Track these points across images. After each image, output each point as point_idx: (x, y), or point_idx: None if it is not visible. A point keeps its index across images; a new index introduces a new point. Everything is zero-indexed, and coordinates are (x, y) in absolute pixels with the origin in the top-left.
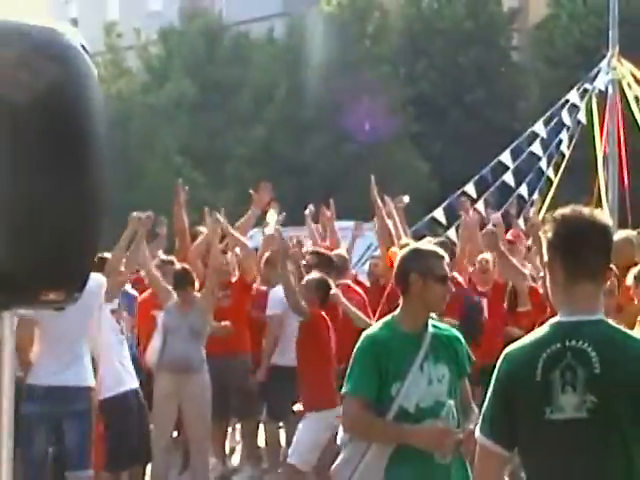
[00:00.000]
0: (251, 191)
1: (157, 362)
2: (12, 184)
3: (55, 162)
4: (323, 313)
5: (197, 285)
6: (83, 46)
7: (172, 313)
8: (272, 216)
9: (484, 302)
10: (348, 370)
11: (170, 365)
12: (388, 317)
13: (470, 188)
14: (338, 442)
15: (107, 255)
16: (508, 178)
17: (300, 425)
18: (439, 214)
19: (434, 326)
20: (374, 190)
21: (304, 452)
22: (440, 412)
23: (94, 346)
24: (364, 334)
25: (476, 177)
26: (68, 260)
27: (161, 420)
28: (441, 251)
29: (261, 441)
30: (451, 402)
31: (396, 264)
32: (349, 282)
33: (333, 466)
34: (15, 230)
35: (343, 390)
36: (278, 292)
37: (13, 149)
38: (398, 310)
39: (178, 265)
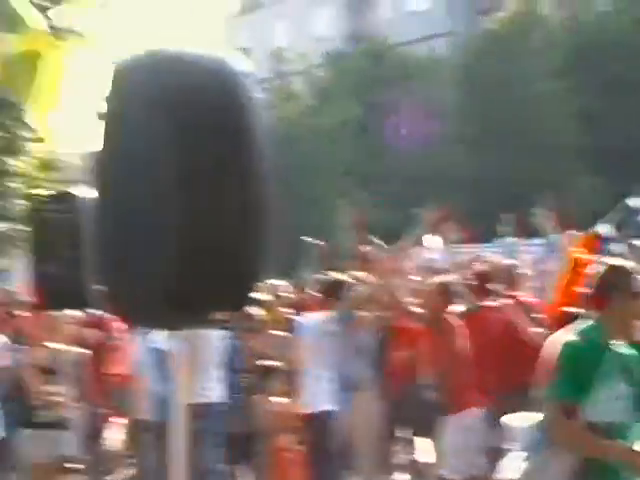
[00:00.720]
0: (416, 211)
1: None
2: (179, 209)
3: (219, 185)
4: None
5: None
6: (251, 73)
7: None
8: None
9: None
10: (557, 377)
11: (339, 382)
12: (584, 326)
13: (634, 201)
14: (519, 450)
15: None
16: None
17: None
18: (603, 228)
19: (619, 343)
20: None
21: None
22: (625, 430)
23: None
24: (566, 342)
25: None
26: (233, 281)
27: None
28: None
29: None
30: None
31: (598, 278)
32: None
33: (514, 475)
34: (182, 254)
35: (551, 395)
36: None
37: (179, 172)
38: (595, 322)
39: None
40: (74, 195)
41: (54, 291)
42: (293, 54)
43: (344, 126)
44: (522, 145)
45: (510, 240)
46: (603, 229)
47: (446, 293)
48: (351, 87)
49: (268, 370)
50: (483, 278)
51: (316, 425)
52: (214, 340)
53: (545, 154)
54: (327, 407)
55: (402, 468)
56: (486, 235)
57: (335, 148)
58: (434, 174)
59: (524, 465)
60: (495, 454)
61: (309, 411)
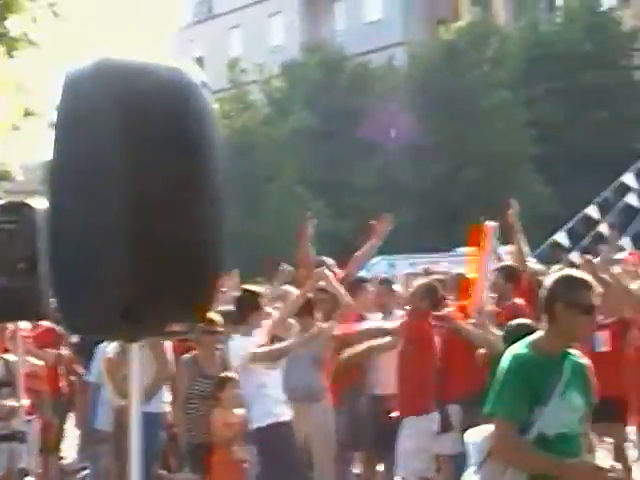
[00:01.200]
0: (372, 222)
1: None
2: (133, 221)
3: (173, 196)
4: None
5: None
6: (204, 83)
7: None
8: None
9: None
10: (496, 389)
11: (292, 394)
12: (533, 338)
13: (592, 210)
14: (472, 464)
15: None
16: (632, 199)
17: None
18: (561, 237)
19: (569, 353)
20: (514, 213)
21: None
22: (576, 441)
23: None
24: (512, 354)
25: (598, 199)
26: (190, 292)
27: None
28: (591, 280)
29: None
30: (582, 431)
31: (544, 290)
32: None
33: None
34: (139, 265)
35: (492, 410)
36: None
37: (132, 183)
38: (542, 333)
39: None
40: (29, 205)
41: (8, 302)
42: (249, 64)
43: (300, 135)
44: (476, 154)
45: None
46: (561, 238)
47: (429, 297)
48: (307, 97)
49: (223, 380)
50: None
51: (267, 437)
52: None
53: (499, 163)
54: (280, 419)
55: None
56: (444, 245)
57: (291, 157)
58: (389, 184)
59: (477, 477)
60: (448, 460)
61: (261, 424)
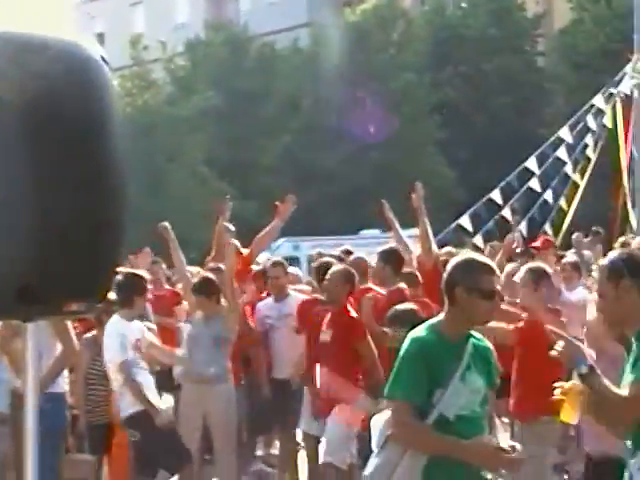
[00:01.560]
0: (277, 203)
1: (180, 372)
2: (32, 198)
3: (73, 174)
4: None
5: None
6: (104, 59)
7: (196, 322)
8: None
9: None
10: (394, 372)
11: (192, 375)
12: (433, 321)
13: (496, 194)
14: (373, 446)
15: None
16: (534, 184)
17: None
18: (465, 221)
19: (472, 335)
20: (419, 196)
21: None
22: (477, 422)
23: None
24: (411, 336)
25: (502, 183)
26: (89, 271)
27: (185, 431)
28: (492, 265)
29: None
30: (484, 413)
31: (445, 274)
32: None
33: (366, 471)
34: (35, 244)
35: (390, 393)
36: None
37: (32, 162)
38: (442, 316)
39: (202, 274)
40: None
41: None
42: (152, 41)
43: (204, 115)
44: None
45: (373, 232)
46: (464, 222)
47: (351, 280)
48: (211, 76)
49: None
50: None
51: (137, 423)
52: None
53: (404, 146)
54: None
55: (263, 460)
56: (352, 227)
57: (194, 137)
58: (294, 165)
59: (375, 461)
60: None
61: (131, 411)
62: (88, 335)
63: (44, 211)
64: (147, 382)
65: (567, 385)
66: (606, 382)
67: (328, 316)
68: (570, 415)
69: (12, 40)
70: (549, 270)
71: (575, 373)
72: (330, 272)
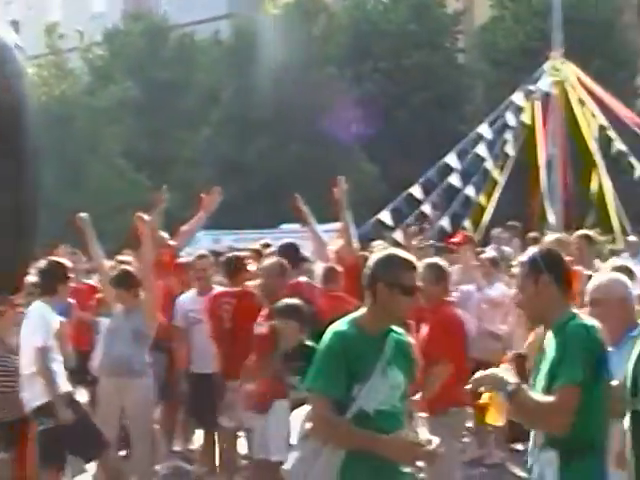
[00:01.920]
0: (202, 195)
1: (98, 365)
2: None
3: None
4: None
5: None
6: (18, 46)
7: (115, 316)
8: None
9: None
10: (314, 365)
11: (111, 369)
12: (354, 315)
13: (416, 190)
14: (292, 440)
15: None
16: (454, 179)
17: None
18: (385, 216)
19: (393, 330)
20: (341, 190)
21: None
22: (397, 417)
23: None
24: (332, 330)
25: (422, 179)
26: (3, 261)
27: (102, 425)
28: (414, 261)
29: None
30: (404, 408)
31: (366, 269)
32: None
33: (286, 465)
34: None
35: (309, 386)
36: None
37: None
38: (364, 311)
39: (122, 266)
40: None
41: None
42: (69, 30)
43: (122, 106)
44: (303, 130)
45: (294, 226)
46: (385, 217)
47: (285, 272)
48: (130, 66)
49: None
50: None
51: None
52: None
53: (325, 140)
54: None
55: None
56: (273, 221)
57: (113, 129)
58: (215, 158)
59: (295, 455)
60: None
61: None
62: None
63: None
64: (60, 371)
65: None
66: (532, 394)
67: (265, 310)
68: (496, 418)
69: None
70: (445, 265)
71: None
72: (262, 266)
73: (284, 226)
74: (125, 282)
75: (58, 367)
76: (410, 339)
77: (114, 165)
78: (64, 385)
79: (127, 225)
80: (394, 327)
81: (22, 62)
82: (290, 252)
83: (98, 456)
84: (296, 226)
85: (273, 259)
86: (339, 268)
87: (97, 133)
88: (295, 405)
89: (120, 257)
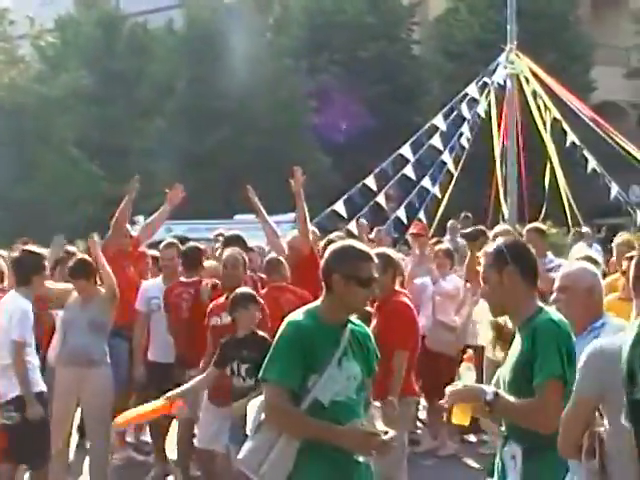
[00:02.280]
0: (167, 190)
1: (56, 356)
2: None
3: None
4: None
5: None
6: None
7: (71, 305)
8: None
9: None
10: (270, 355)
11: (68, 359)
12: (311, 306)
13: (370, 181)
14: (247, 430)
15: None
16: (408, 171)
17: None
18: (340, 207)
19: (350, 322)
20: (298, 181)
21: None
22: (352, 409)
23: None
24: (288, 320)
25: (376, 170)
26: None
27: (59, 417)
28: (370, 252)
29: None
30: (361, 400)
31: (322, 260)
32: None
33: (240, 454)
34: None
35: (264, 376)
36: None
37: None
38: (320, 302)
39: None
40: None
41: None
42: (19, 16)
43: (75, 95)
44: (259, 121)
45: (248, 217)
46: (339, 208)
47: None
48: (83, 55)
49: None
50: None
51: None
52: None
53: (281, 131)
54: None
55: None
56: (227, 211)
57: (66, 118)
58: (169, 148)
59: (249, 445)
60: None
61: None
62: None
63: None
64: (35, 364)
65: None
66: (510, 399)
67: (221, 301)
68: (462, 418)
69: None
70: (394, 255)
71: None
72: (225, 257)
73: (238, 217)
74: (83, 271)
75: (34, 359)
76: (368, 330)
77: (67, 155)
78: (38, 382)
79: (83, 217)
80: (352, 318)
81: None
82: (236, 243)
83: (40, 467)
84: (250, 217)
85: (235, 250)
86: (283, 259)
87: (49, 122)
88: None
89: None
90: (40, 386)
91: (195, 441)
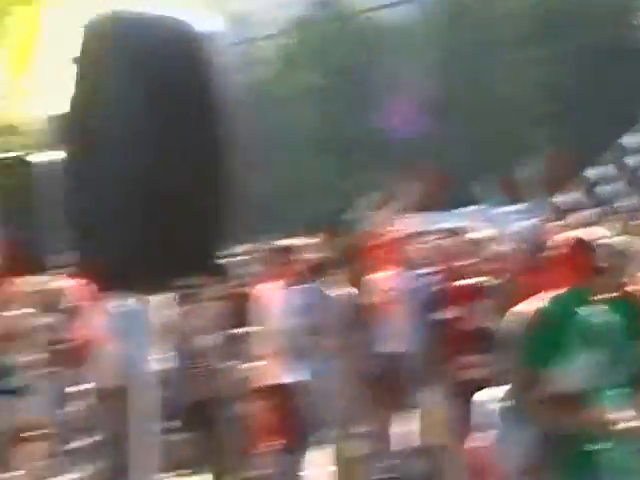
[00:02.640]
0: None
1: None
2: (150, 173)
3: (190, 149)
4: None
5: None
6: (216, 36)
7: None
8: None
9: None
10: (525, 344)
11: None
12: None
13: None
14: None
15: None
16: None
17: None
18: None
19: None
20: None
21: None
22: (599, 396)
23: None
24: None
25: None
26: (200, 246)
27: None
28: None
29: None
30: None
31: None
32: None
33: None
34: (152, 216)
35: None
36: None
37: (155, 147)
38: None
39: None
40: (27, 161)
41: (15, 257)
42: (259, 18)
43: (309, 93)
44: (490, 112)
45: (474, 208)
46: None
47: None
48: (317, 53)
49: (235, 336)
50: None
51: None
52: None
53: (512, 122)
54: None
55: None
56: (456, 201)
57: (300, 115)
58: (402, 140)
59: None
60: None
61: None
62: None
63: (157, 186)
64: None
65: None
66: None
67: None
68: None
69: (135, 18)
70: None
71: None
72: None
73: None
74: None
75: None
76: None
77: (302, 151)
78: None
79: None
80: None
81: (220, 51)
82: None
83: None
84: None
85: None
86: None
87: (284, 120)
88: None
89: None
90: None
91: None
